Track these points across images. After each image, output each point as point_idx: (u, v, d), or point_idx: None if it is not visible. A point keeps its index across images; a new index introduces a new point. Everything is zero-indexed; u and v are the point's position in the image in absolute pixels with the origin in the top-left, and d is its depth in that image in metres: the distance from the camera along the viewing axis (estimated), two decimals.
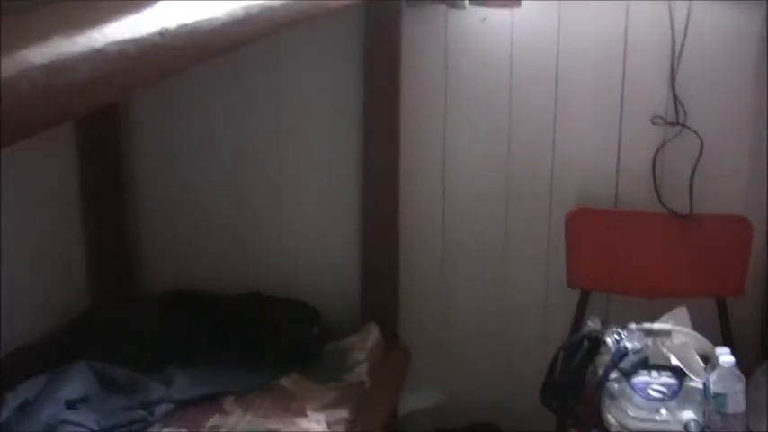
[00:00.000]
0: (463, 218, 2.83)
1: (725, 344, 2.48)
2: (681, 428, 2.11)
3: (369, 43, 2.70)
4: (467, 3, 2.55)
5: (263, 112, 2.83)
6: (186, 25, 1.11)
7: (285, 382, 2.46)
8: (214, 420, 2.29)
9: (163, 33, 1.04)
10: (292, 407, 2.35)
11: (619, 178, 2.73)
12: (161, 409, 2.31)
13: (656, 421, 2.14)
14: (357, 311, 2.85)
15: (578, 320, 2.58)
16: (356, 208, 2.83)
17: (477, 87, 2.73)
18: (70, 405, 2.20)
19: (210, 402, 2.36)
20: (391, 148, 2.74)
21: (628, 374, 2.21)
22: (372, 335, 2.70)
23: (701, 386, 2.18)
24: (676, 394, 2.17)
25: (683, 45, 2.54)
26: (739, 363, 2.17)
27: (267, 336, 2.63)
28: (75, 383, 2.26)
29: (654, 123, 2.61)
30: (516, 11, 2.62)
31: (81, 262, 2.85)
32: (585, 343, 2.30)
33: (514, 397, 2.78)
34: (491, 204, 2.80)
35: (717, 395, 2.13)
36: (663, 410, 2.15)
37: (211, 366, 2.50)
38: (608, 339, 2.26)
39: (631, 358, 2.22)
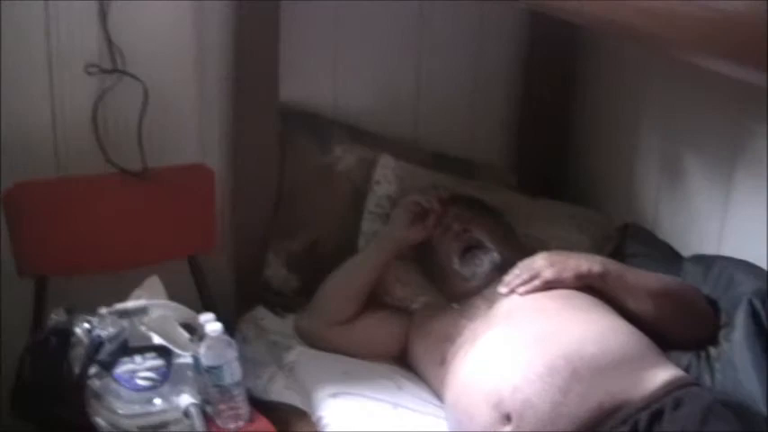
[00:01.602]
0: None
1: (204, 305, 2.32)
2: (180, 415, 1.86)
3: None
4: None
5: None
6: None
7: None
8: None
9: None
10: None
11: (57, 138, 2.40)
12: None
13: (151, 414, 1.87)
14: None
15: (39, 313, 2.22)
16: None
17: None
18: None
19: None
20: None
21: (108, 366, 1.92)
22: None
23: (191, 360, 1.96)
24: (167, 377, 1.92)
25: None
26: (223, 322, 2.00)
27: None
28: None
29: (89, 73, 2.30)
30: None
31: None
32: (53, 339, 1.96)
33: None
34: None
35: (210, 369, 1.94)
36: (156, 399, 1.88)
37: None
38: (78, 330, 1.95)
39: (109, 347, 1.93)
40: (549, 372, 1.78)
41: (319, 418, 2.06)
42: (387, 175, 2.57)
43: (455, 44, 2.79)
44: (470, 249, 2.29)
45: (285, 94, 2.55)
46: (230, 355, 1.96)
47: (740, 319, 2.03)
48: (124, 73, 2.33)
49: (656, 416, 1.72)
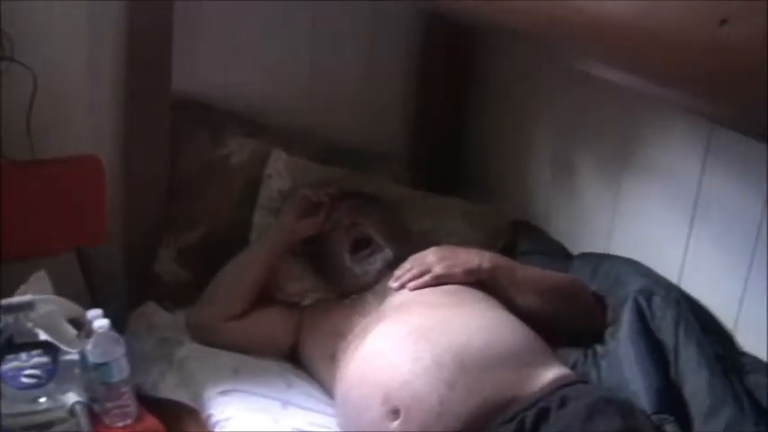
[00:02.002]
0: None
1: (93, 299, 2.27)
2: (65, 414, 1.83)
3: None
4: None
5: None
6: None
7: None
8: None
9: None
10: None
11: None
12: None
13: (36, 412, 1.82)
14: None
15: None
16: None
17: None
18: None
19: None
20: None
21: None
22: None
23: (77, 357, 1.92)
24: (53, 374, 1.88)
25: None
26: (113, 317, 1.96)
27: None
28: None
29: None
30: None
31: None
32: None
33: None
34: None
35: (98, 365, 1.90)
36: (42, 398, 1.84)
37: None
38: None
39: None
40: (437, 365, 1.79)
41: (209, 416, 2.04)
42: (279, 169, 2.55)
43: (349, 37, 2.80)
44: (361, 245, 2.30)
45: (179, 84, 2.51)
46: (118, 351, 1.92)
47: (626, 317, 2.07)
48: (13, 61, 2.26)
49: (543, 414, 1.74)
